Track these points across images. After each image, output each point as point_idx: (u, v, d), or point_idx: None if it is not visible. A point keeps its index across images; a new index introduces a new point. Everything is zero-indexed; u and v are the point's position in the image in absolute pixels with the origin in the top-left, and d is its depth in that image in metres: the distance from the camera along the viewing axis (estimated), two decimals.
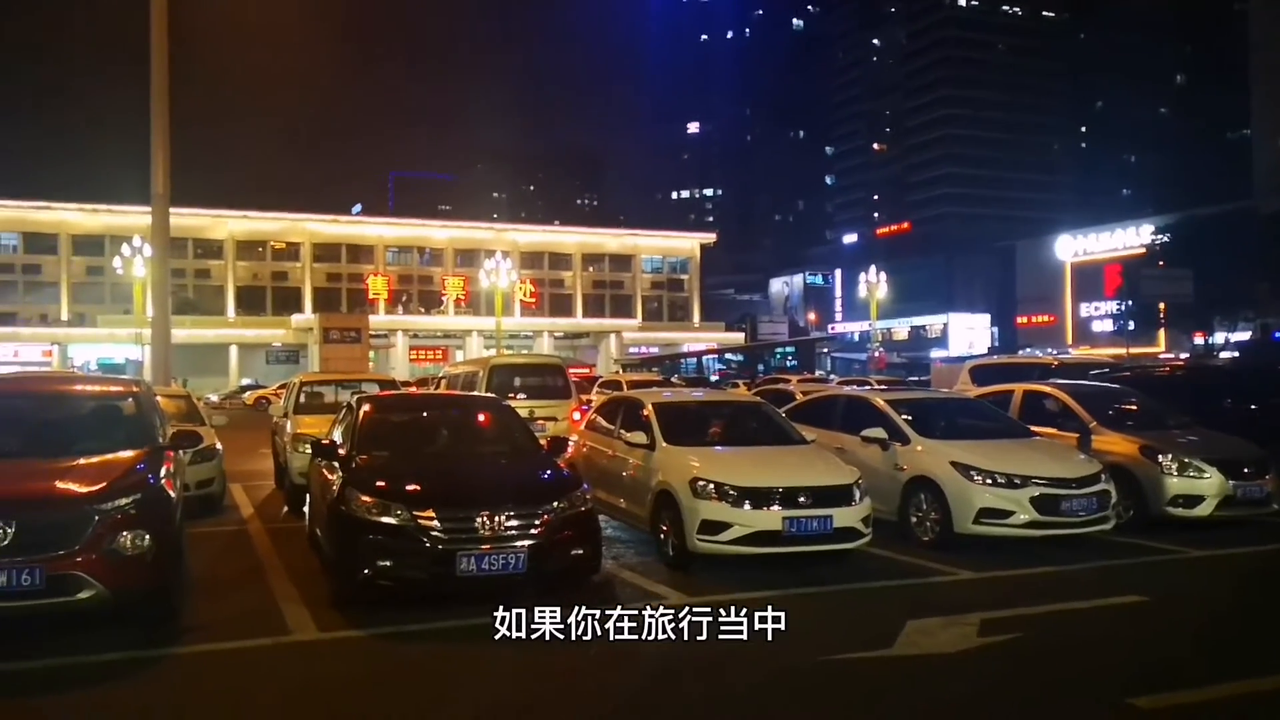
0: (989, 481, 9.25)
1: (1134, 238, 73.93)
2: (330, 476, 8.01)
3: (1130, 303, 58.89)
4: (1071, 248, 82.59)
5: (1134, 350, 54.26)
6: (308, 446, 9.65)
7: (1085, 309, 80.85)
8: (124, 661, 5.96)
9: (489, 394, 14.39)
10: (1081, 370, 16.99)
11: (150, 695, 5.47)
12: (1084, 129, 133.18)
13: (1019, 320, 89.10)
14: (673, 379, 37.63)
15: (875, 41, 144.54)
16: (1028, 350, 60.56)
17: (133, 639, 6.28)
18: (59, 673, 5.77)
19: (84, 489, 6.45)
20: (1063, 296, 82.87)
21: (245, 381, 66.35)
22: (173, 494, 7.17)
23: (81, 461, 6.97)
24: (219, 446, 12.46)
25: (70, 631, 6.31)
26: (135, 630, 6.42)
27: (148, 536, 6.30)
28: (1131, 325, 59.02)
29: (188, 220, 70.91)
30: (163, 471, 7.10)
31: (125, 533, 6.22)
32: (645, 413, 9.79)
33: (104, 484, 6.50)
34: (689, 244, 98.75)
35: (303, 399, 14.56)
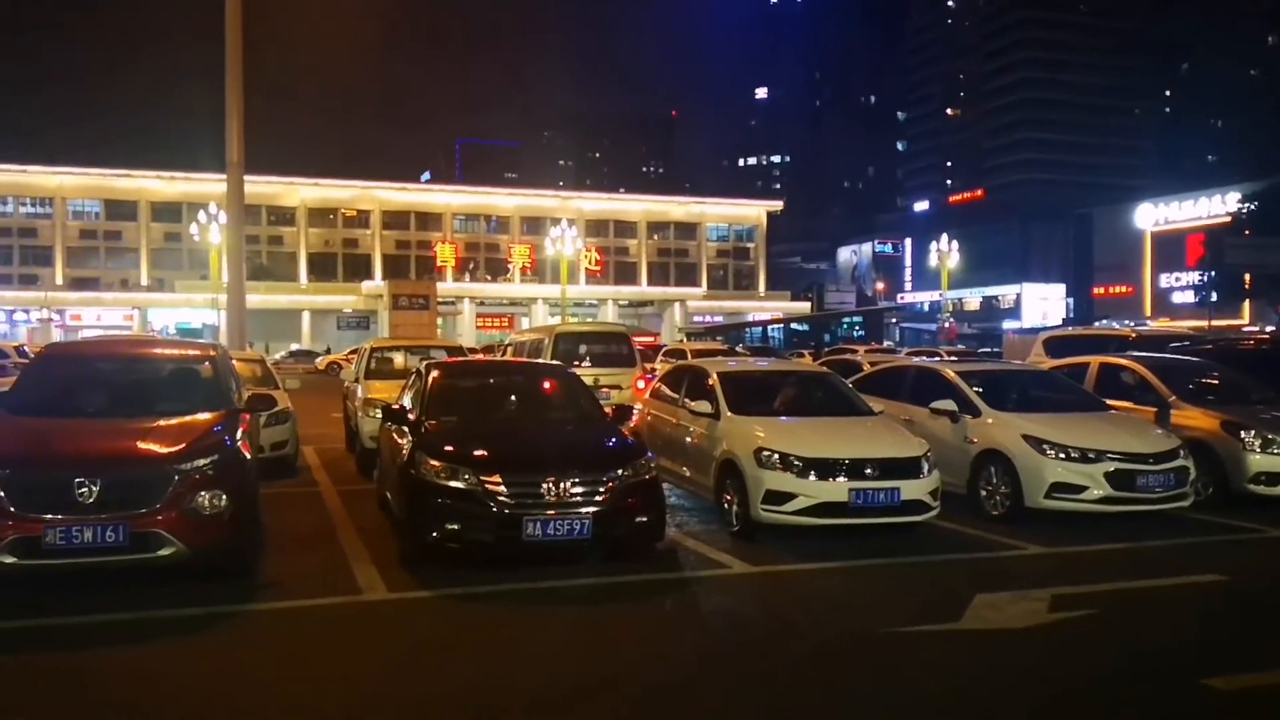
0: (1062, 455, 9.05)
1: (1219, 205, 71.37)
2: (400, 441, 8.14)
3: (1214, 273, 56.97)
4: (1152, 216, 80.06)
5: (1216, 322, 52.62)
6: (378, 411, 9.81)
7: (1165, 279, 78.45)
8: (203, 617, 6.15)
9: (554, 361, 14.48)
10: (1161, 343, 16.48)
11: (227, 650, 5.64)
12: (1168, 92, 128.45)
13: (1095, 291, 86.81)
14: (737, 348, 37.48)
15: (950, 2, 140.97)
16: (1104, 322, 59.02)
17: (210, 595, 6.48)
18: (142, 625, 5.97)
19: (165, 449, 6.65)
20: (1142, 266, 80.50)
21: (295, 347, 67.25)
22: (248, 455, 7.36)
23: (162, 423, 7.18)
24: (292, 409, 12.73)
25: (151, 586, 6.53)
26: (212, 587, 6.63)
27: (225, 496, 6.48)
28: (1214, 296, 57.09)
29: (261, 188, 72.26)
30: (239, 433, 7.30)
31: (204, 492, 6.42)
32: (710, 382, 9.75)
33: (184, 445, 6.70)
34: (755, 212, 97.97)
35: (373, 365, 14.80)
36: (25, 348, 30.33)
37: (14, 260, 78.33)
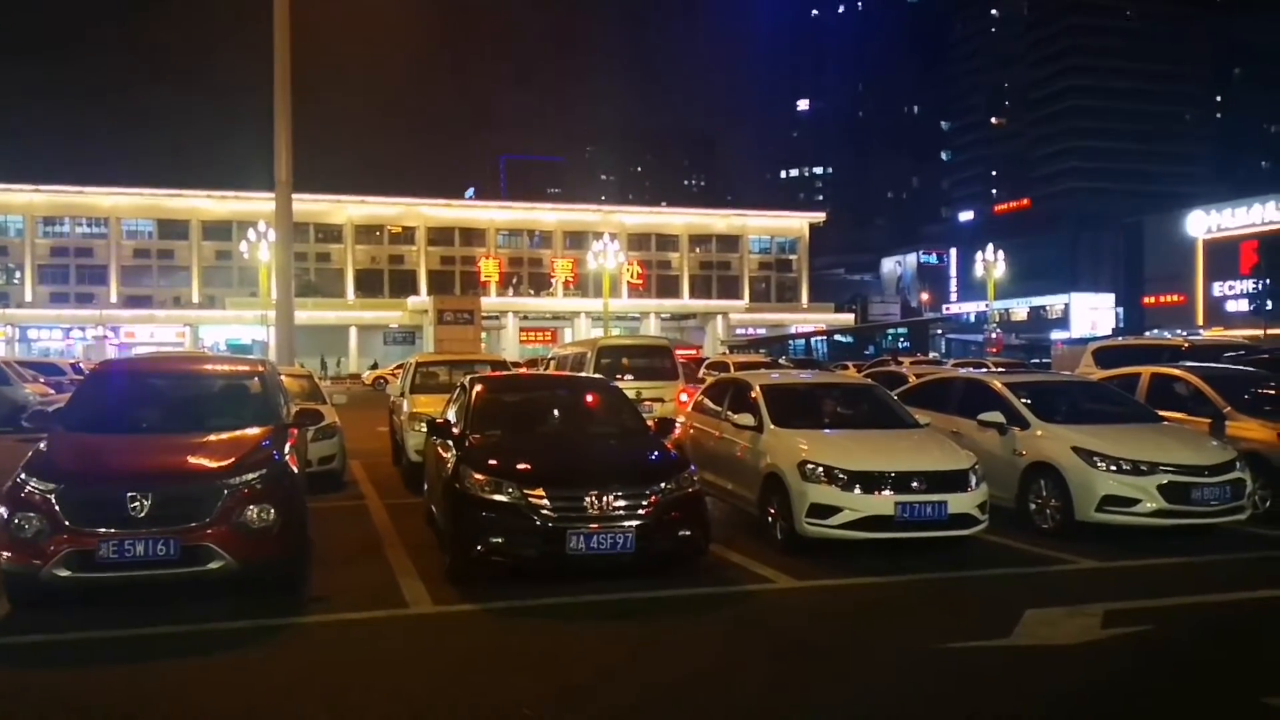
0: (1113, 468, 8.88)
1: (1274, 212, 69.94)
2: (445, 455, 8.19)
3: (1268, 280, 55.70)
4: (1204, 223, 78.47)
5: (1272, 331, 51.38)
6: (423, 425, 9.89)
7: (1218, 288, 76.82)
8: (251, 630, 6.22)
9: (597, 375, 14.50)
10: (1214, 352, 16.15)
11: (275, 663, 5.70)
12: (1219, 98, 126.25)
13: (1146, 300, 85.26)
14: (780, 360, 37.29)
15: (994, 11, 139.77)
16: (1155, 331, 57.91)
17: (258, 608, 6.55)
18: (191, 638, 6.06)
19: (215, 464, 6.75)
20: (1194, 275, 78.88)
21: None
22: (296, 470, 7.45)
23: (212, 438, 7.30)
24: (339, 424, 12.87)
25: (201, 599, 6.62)
26: (260, 600, 6.70)
27: (273, 510, 6.56)
28: (1270, 304, 55.81)
29: (309, 206, 73.33)
30: (287, 448, 7.39)
31: (252, 506, 6.50)
32: (753, 395, 9.71)
33: (233, 459, 6.79)
34: (798, 223, 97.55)
35: (418, 379, 14.92)
36: (81, 364, 31.07)
37: (71, 279, 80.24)
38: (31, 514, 6.19)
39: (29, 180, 78.34)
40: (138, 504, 6.23)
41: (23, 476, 6.43)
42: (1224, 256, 74.87)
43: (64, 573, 6.15)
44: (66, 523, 6.17)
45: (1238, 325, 62.92)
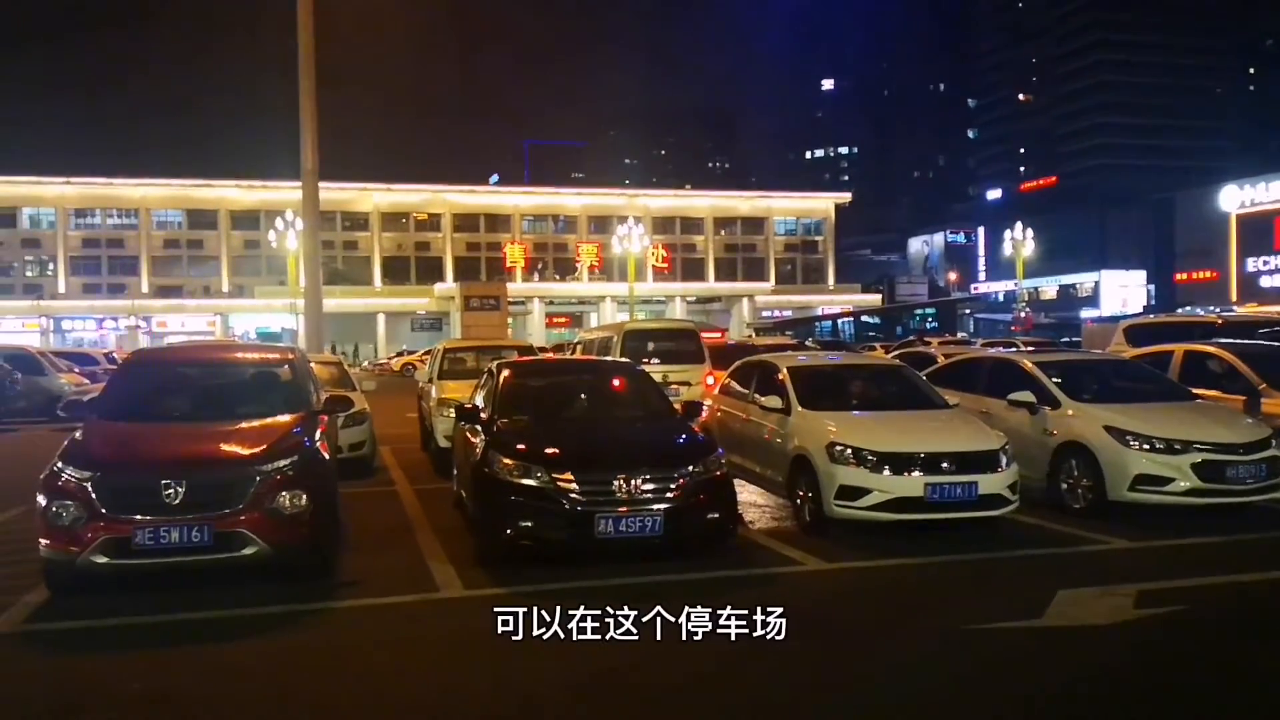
0: (1146, 447, 8.78)
1: None
2: (473, 440, 8.23)
3: None
4: (1237, 198, 77.14)
5: None
6: (452, 411, 9.93)
7: (1252, 264, 75.52)
8: (285, 614, 6.30)
9: (623, 359, 14.50)
10: (1249, 329, 15.92)
11: (308, 647, 5.76)
12: (1251, 70, 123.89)
13: (1177, 277, 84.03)
14: (807, 342, 37.12)
15: None
16: (1188, 308, 57.13)
17: (291, 593, 6.63)
18: (225, 623, 6.15)
19: (247, 451, 6.82)
20: (1227, 251, 77.57)
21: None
22: (327, 456, 7.51)
23: (243, 425, 7.37)
24: (369, 411, 12.95)
25: (234, 585, 6.70)
26: (293, 585, 6.78)
27: (305, 496, 6.62)
28: None
29: (335, 194, 73.72)
30: (317, 435, 7.45)
31: (284, 493, 6.56)
32: (780, 377, 9.68)
33: (264, 446, 6.86)
34: (823, 204, 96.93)
35: (446, 365, 14.97)
36: (114, 354, 31.46)
37: (103, 270, 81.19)
38: (68, 502, 6.28)
39: (59, 173, 79.23)
40: (172, 491, 6.31)
41: (59, 465, 6.53)
42: (1258, 231, 73.59)
43: (100, 559, 6.24)
44: (103, 510, 6.26)
45: (1273, 301, 61.90)
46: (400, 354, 62.90)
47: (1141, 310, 78.03)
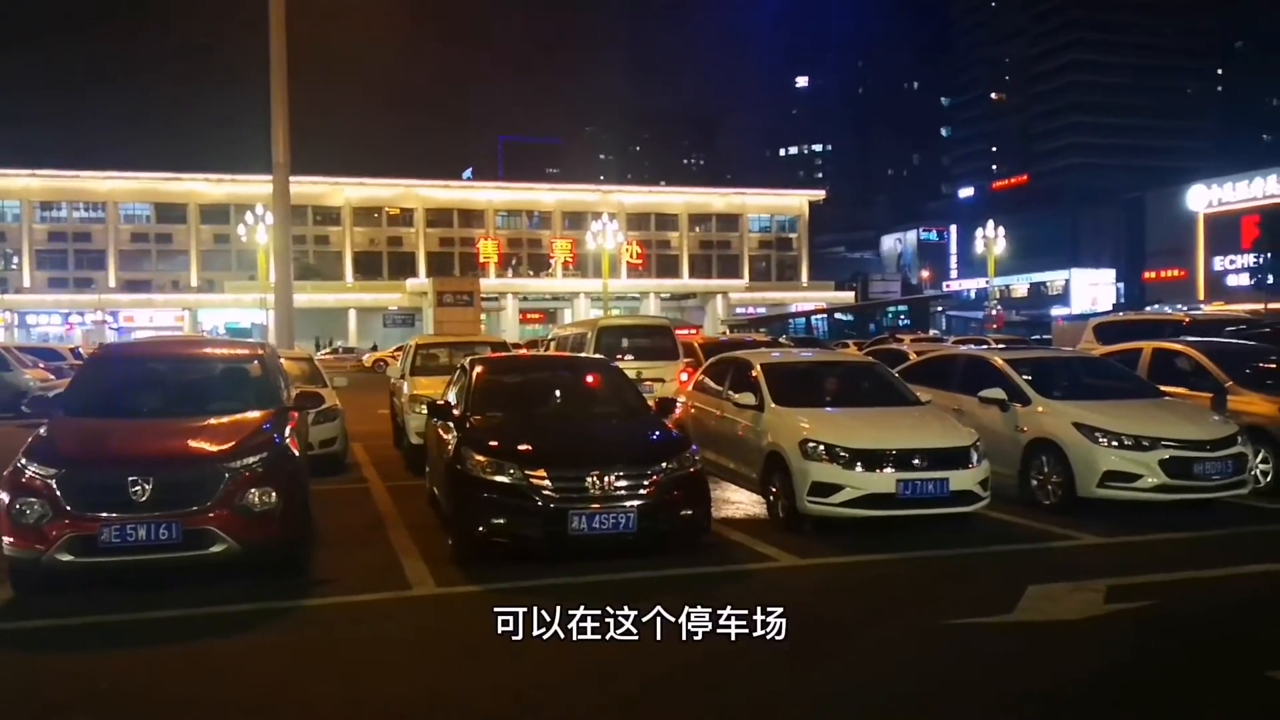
0: (1115, 443, 8.88)
1: (1275, 186, 69.45)
2: (446, 436, 8.19)
3: (1270, 254, 55.56)
4: (1205, 198, 78.12)
5: (1273, 305, 51.28)
6: (424, 407, 9.88)
7: (1219, 262, 76.52)
8: (254, 613, 6.23)
9: (597, 355, 14.48)
10: (1216, 326, 16.14)
11: (279, 646, 5.71)
12: (1220, 71, 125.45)
13: (1146, 275, 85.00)
14: (780, 339, 37.24)
15: None
16: (1156, 306, 57.82)
17: (261, 591, 6.56)
18: (195, 622, 6.07)
19: (216, 448, 6.75)
20: (1194, 250, 78.54)
21: (339, 344, 67.99)
22: (297, 453, 7.44)
23: (212, 421, 7.29)
24: (340, 407, 12.85)
25: (203, 583, 6.62)
26: (263, 583, 6.71)
27: (274, 493, 6.56)
28: (1271, 279, 55.71)
29: (307, 188, 72.99)
30: (288, 431, 7.38)
31: (254, 490, 6.50)
32: (754, 373, 9.70)
33: (234, 443, 6.79)
34: (797, 202, 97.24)
35: (418, 361, 14.88)
36: (80, 349, 31.05)
37: (69, 264, 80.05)
38: (33, 499, 6.18)
39: (24, 165, 78.02)
40: (139, 488, 6.22)
41: (23, 462, 6.43)
42: (1225, 231, 74.57)
43: (66, 557, 6.16)
44: (68, 507, 6.17)
45: (1239, 299, 62.70)
46: (372, 349, 62.42)
47: (1111, 308, 78.85)
